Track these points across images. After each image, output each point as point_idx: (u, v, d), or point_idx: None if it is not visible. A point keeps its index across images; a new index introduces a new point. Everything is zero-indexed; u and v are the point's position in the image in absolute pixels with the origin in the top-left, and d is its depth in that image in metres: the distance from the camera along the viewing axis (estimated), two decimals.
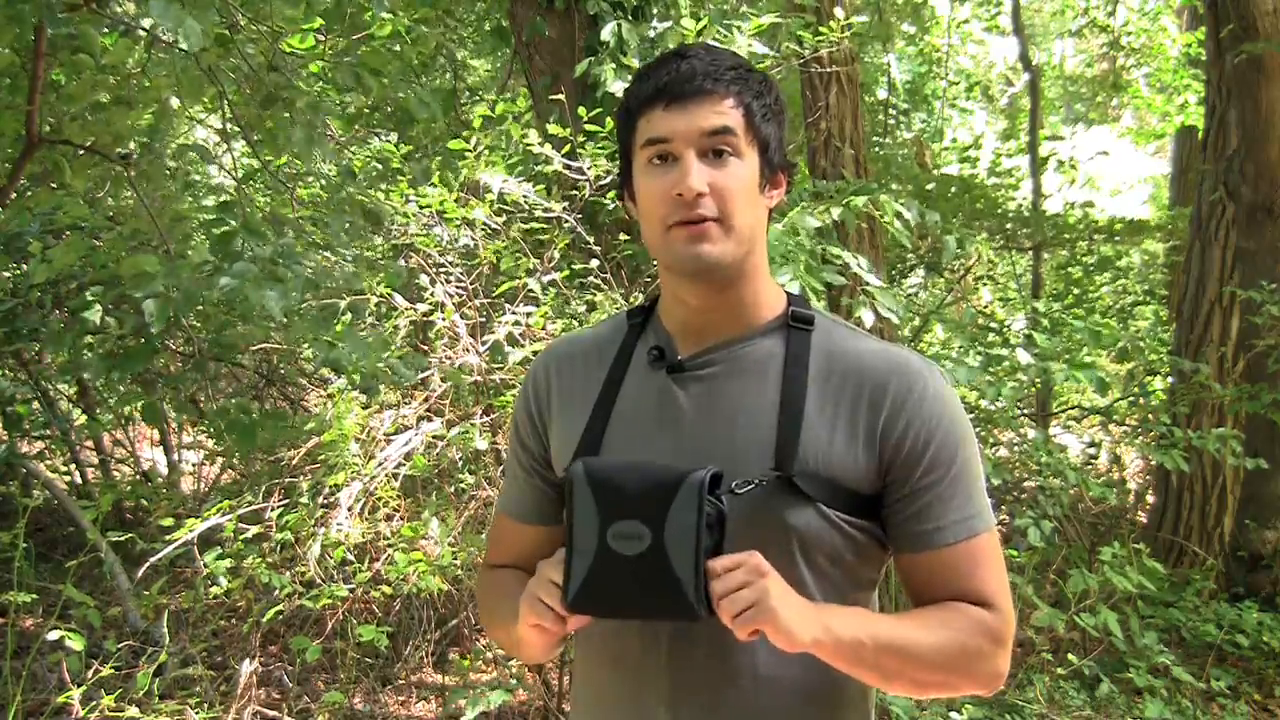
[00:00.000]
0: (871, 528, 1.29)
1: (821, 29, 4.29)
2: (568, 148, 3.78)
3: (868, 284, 3.47)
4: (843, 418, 1.26)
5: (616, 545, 1.15)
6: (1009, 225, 7.94)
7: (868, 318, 3.35)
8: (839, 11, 4.81)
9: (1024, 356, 3.83)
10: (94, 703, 3.06)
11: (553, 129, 3.79)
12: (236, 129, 3.97)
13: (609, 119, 3.78)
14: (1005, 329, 5.91)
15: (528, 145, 3.80)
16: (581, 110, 3.80)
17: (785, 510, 1.23)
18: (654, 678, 1.29)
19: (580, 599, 1.17)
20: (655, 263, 1.38)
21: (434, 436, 3.58)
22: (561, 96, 4.14)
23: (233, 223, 3.12)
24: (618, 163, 1.38)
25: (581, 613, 1.19)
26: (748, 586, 1.14)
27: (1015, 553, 4.02)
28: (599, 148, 3.78)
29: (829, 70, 5.33)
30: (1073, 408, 7.65)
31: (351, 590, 3.38)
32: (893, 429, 1.25)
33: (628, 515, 1.15)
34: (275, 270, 2.67)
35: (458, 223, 3.83)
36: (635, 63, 4.42)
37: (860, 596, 1.31)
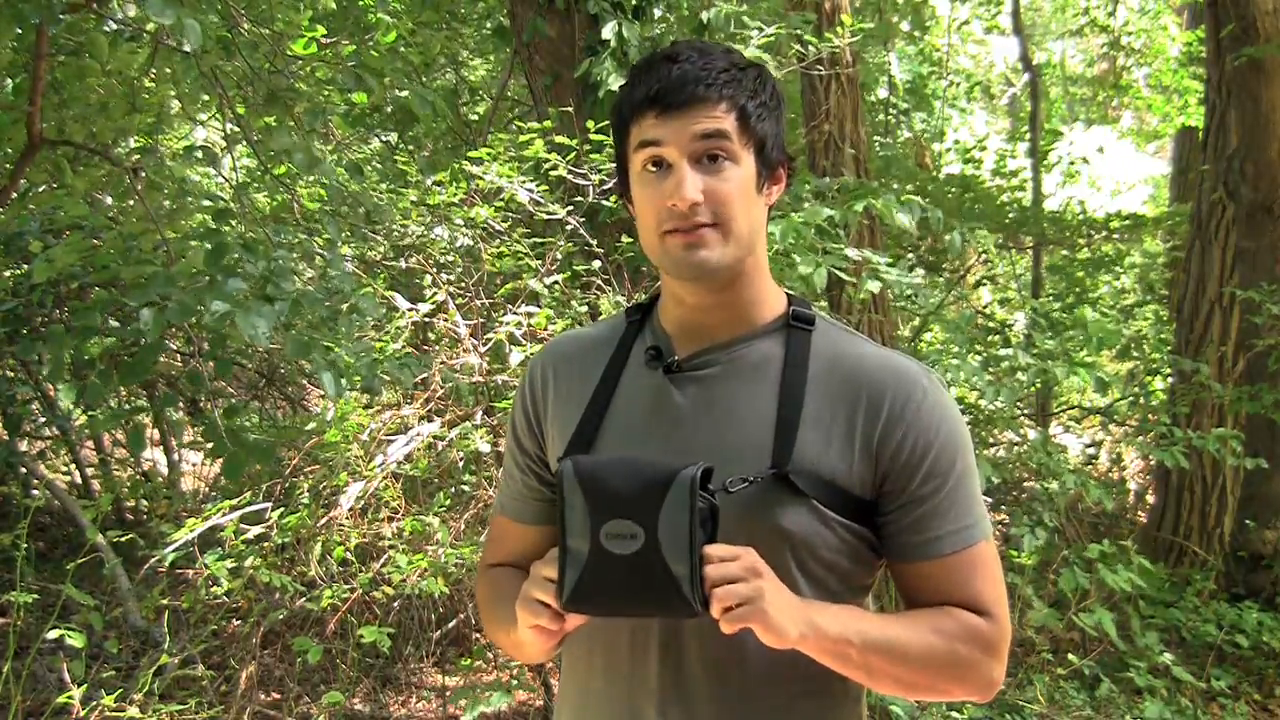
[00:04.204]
0: (865, 532, 1.28)
1: (827, 34, 4.30)
2: (572, 155, 3.79)
3: (875, 264, 3.49)
4: (840, 423, 1.25)
5: (610, 545, 1.15)
6: (1009, 218, 7.93)
7: (874, 286, 3.40)
8: (843, 16, 4.82)
9: (1024, 356, 3.84)
10: (94, 703, 3.06)
11: (560, 139, 3.80)
12: (237, 130, 3.98)
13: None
14: (1006, 329, 5.91)
15: (536, 154, 3.82)
16: (590, 123, 3.81)
17: (779, 512, 1.23)
18: (643, 679, 1.29)
19: (576, 598, 1.17)
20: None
21: (434, 437, 3.59)
22: (570, 108, 4.15)
23: (227, 228, 3.12)
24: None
25: (578, 611, 1.19)
26: (743, 582, 1.13)
27: (1015, 553, 4.03)
28: (603, 155, 3.79)
29: (830, 72, 5.33)
30: (1073, 408, 7.66)
31: (353, 591, 3.39)
32: (890, 437, 1.24)
33: (619, 514, 1.15)
34: (265, 289, 2.67)
35: (459, 223, 3.84)
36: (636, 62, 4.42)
37: (854, 601, 1.30)
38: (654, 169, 1.25)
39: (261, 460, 3.12)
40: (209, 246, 2.78)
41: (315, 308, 2.82)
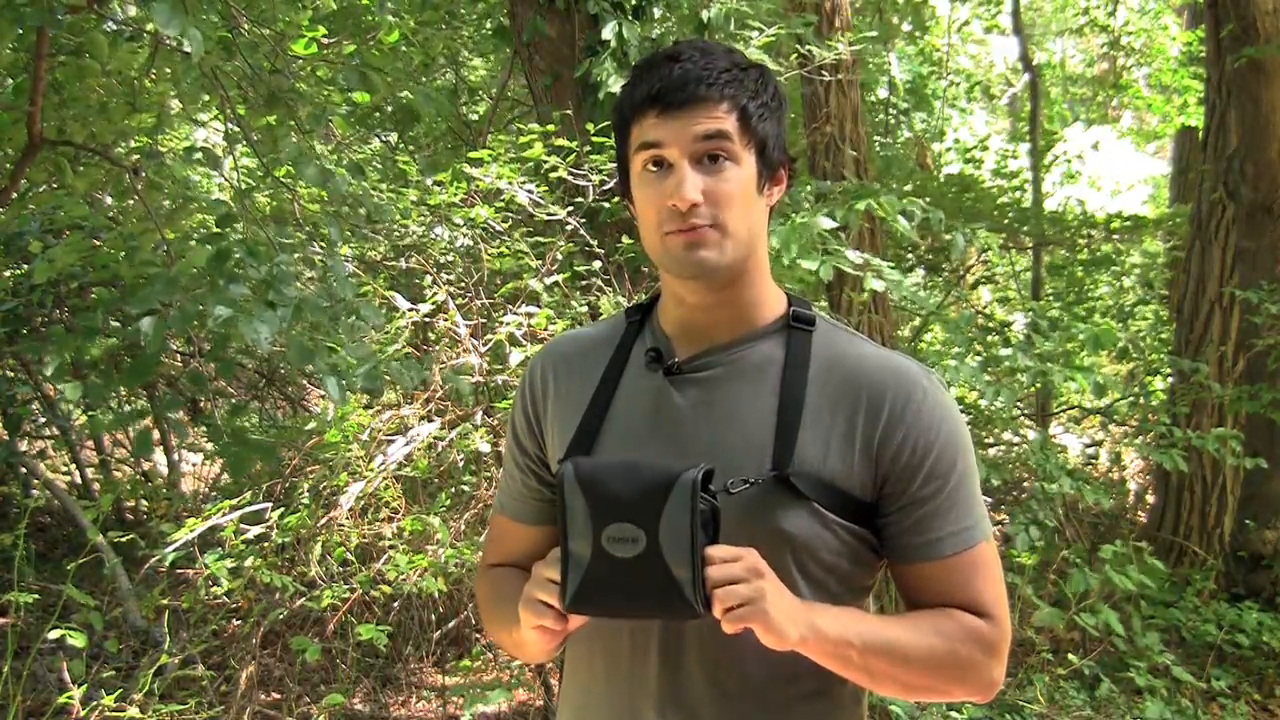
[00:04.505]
0: (865, 534, 1.27)
1: (829, 40, 4.30)
2: (573, 157, 3.79)
3: (877, 266, 3.50)
4: (840, 424, 1.25)
5: (611, 548, 1.14)
6: (1009, 219, 7.93)
7: (877, 285, 3.41)
8: (846, 30, 4.83)
9: (1023, 358, 3.84)
10: (94, 703, 3.06)
11: (560, 141, 3.80)
12: (238, 130, 3.98)
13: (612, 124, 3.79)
14: (1006, 329, 5.92)
15: (536, 157, 3.82)
16: (590, 124, 3.82)
17: (780, 514, 1.22)
18: (643, 681, 1.29)
19: (578, 601, 1.17)
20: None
21: (434, 437, 3.59)
22: (570, 110, 4.14)
23: (230, 229, 3.12)
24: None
25: (580, 613, 1.20)
26: (744, 583, 1.13)
27: (1015, 553, 4.03)
28: (603, 156, 3.79)
29: (832, 78, 5.33)
30: (1073, 408, 7.66)
31: (352, 590, 3.39)
32: (890, 439, 1.24)
33: (620, 518, 1.15)
34: (268, 295, 2.67)
35: (459, 223, 3.84)
36: (636, 63, 4.43)
37: (855, 603, 1.30)
38: (655, 169, 1.24)
39: (265, 459, 3.12)
40: (211, 249, 2.78)
41: (317, 314, 2.81)
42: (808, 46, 4.55)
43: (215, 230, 3.13)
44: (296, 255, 3.58)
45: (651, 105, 1.23)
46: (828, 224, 3.35)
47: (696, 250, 1.23)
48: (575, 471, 1.18)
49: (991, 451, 5.24)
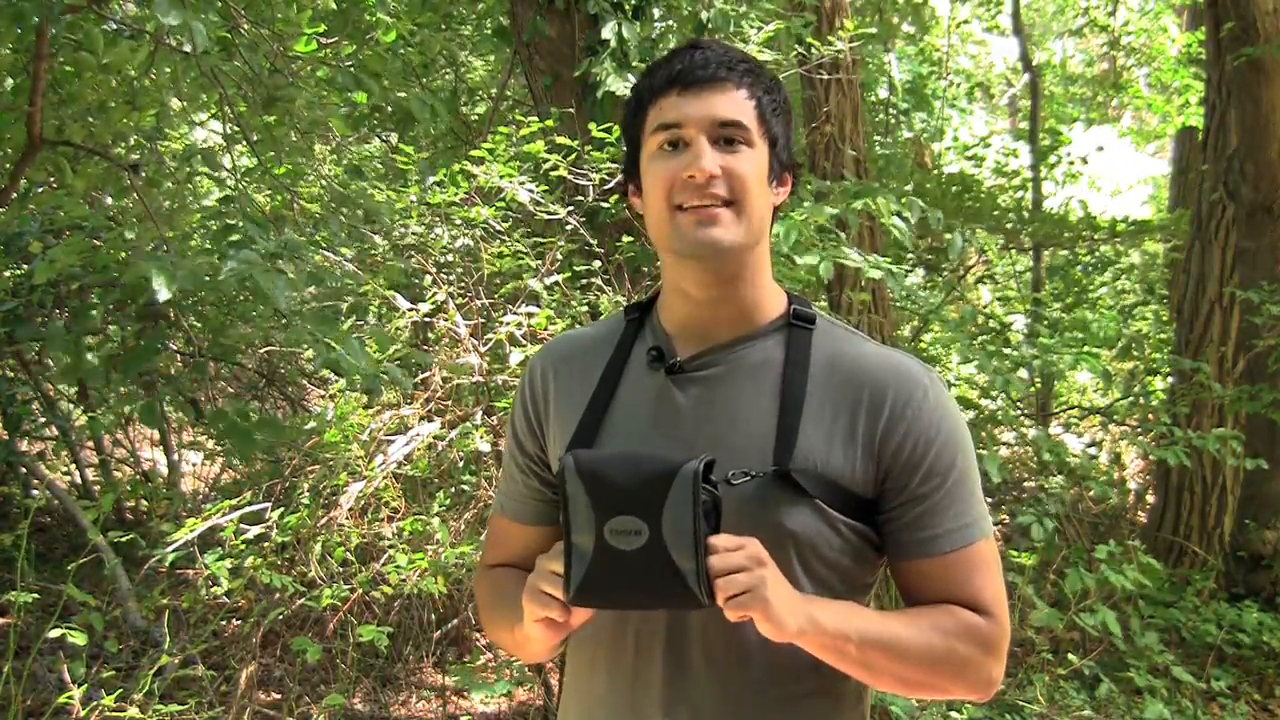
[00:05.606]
0: (867, 531, 1.28)
1: (829, 37, 4.30)
2: (573, 156, 3.79)
3: (875, 263, 3.50)
4: (841, 421, 1.25)
5: (614, 541, 1.15)
6: (1011, 221, 7.92)
7: (875, 273, 3.43)
8: (845, 20, 4.83)
9: (1027, 349, 3.85)
10: (94, 703, 3.05)
11: (561, 140, 3.80)
12: (238, 130, 3.98)
13: (613, 124, 3.79)
14: (1006, 328, 5.91)
15: (536, 152, 3.81)
16: (592, 125, 3.81)
17: (783, 511, 1.23)
18: (648, 681, 1.29)
19: (582, 594, 1.17)
20: (658, 263, 1.37)
21: (435, 437, 3.59)
22: (570, 108, 4.14)
23: (232, 207, 3.12)
24: (621, 166, 1.37)
25: (584, 605, 1.19)
26: (746, 571, 1.14)
27: (1016, 552, 4.02)
28: (604, 154, 3.78)
29: (831, 76, 5.33)
30: (1073, 408, 7.65)
31: (352, 590, 3.39)
32: (891, 436, 1.25)
33: (623, 510, 1.15)
34: (278, 264, 2.66)
35: (459, 223, 3.83)
36: (636, 62, 4.43)
37: (856, 600, 1.30)
38: (670, 148, 1.26)
39: (273, 434, 3.11)
40: (216, 226, 2.77)
41: (333, 280, 2.81)
42: (808, 43, 4.55)
43: (218, 210, 3.11)
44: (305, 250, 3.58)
45: (672, 86, 1.25)
46: (830, 211, 3.35)
47: (708, 228, 1.23)
48: (576, 464, 1.18)
49: (994, 450, 5.23)
